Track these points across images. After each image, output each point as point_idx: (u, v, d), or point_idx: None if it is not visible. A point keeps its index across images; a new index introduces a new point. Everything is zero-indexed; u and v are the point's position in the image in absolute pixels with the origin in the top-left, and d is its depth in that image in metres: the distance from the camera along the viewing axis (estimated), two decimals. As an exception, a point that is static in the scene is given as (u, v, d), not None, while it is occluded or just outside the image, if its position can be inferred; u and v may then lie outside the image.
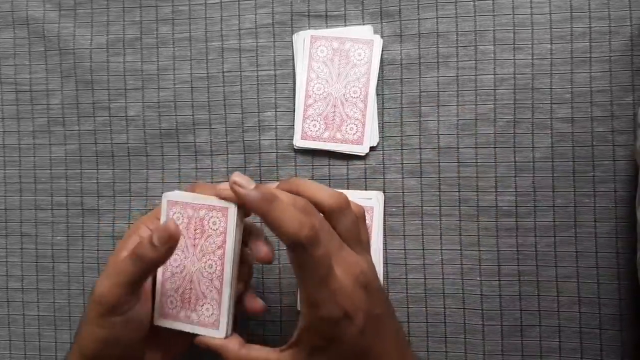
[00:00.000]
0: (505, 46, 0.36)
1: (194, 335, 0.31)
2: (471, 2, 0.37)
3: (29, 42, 0.40)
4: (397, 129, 0.37)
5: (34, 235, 0.40)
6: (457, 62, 0.37)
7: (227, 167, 0.39)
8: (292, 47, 0.38)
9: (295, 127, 0.38)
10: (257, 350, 0.29)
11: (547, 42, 0.36)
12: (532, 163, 0.36)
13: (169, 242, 0.28)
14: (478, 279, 0.37)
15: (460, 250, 0.37)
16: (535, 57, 0.36)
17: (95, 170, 0.40)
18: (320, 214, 0.29)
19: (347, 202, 0.29)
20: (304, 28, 0.38)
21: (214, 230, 0.30)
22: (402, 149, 0.37)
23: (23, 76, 0.41)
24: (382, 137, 0.38)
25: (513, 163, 0.36)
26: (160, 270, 0.31)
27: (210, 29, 0.39)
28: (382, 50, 0.37)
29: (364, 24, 0.38)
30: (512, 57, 0.36)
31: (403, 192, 0.37)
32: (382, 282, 0.37)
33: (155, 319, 0.31)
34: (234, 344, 0.30)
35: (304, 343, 0.28)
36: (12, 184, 0.41)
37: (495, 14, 0.37)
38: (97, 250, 0.40)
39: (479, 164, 0.37)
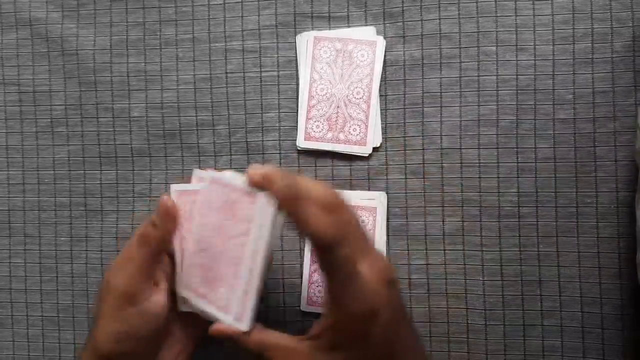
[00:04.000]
0: (507, 47, 0.37)
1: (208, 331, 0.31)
2: (474, 3, 0.37)
3: (32, 43, 0.40)
4: (400, 130, 0.38)
5: (37, 236, 0.40)
6: (460, 63, 0.37)
7: (231, 168, 0.39)
8: (296, 48, 0.38)
9: (298, 128, 0.38)
10: (275, 336, 0.29)
11: (549, 43, 0.36)
12: (534, 164, 0.36)
13: (167, 218, 0.30)
14: (481, 279, 0.37)
15: (463, 250, 0.37)
16: (537, 58, 0.36)
17: (99, 171, 0.40)
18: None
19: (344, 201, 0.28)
20: (307, 29, 0.38)
21: (241, 216, 0.28)
22: (405, 150, 0.37)
23: (26, 77, 0.41)
24: (385, 137, 0.38)
25: (515, 164, 0.37)
26: (188, 249, 0.30)
27: (214, 30, 0.39)
28: (385, 51, 0.37)
29: (367, 25, 0.38)
30: (515, 59, 0.37)
31: (406, 193, 0.37)
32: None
33: (178, 304, 0.31)
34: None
35: (326, 338, 0.27)
36: (15, 185, 0.41)
37: (498, 15, 0.37)
38: (101, 251, 0.40)
39: (481, 164, 0.37)
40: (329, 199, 0.27)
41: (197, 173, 0.32)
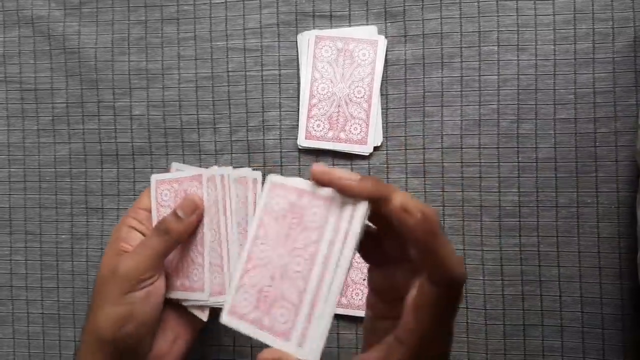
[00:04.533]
0: (509, 47, 0.37)
1: (204, 324, 0.32)
2: (475, 3, 0.37)
3: (34, 41, 0.41)
4: (401, 129, 0.38)
5: (38, 234, 0.40)
6: (461, 62, 0.37)
7: (232, 166, 0.39)
8: (297, 47, 0.38)
9: (299, 126, 0.38)
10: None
11: (551, 43, 0.36)
12: (535, 163, 0.36)
13: (194, 212, 0.32)
14: (481, 278, 0.37)
15: (464, 249, 0.37)
16: (538, 58, 0.36)
17: (100, 169, 0.40)
18: None
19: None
20: (308, 28, 0.38)
21: (311, 223, 0.24)
22: (406, 149, 0.38)
23: (28, 75, 0.41)
24: (386, 137, 0.38)
25: (516, 163, 0.37)
26: (242, 261, 0.25)
27: (215, 28, 0.39)
28: (387, 51, 0.38)
29: (368, 24, 0.38)
30: (516, 58, 0.37)
31: (407, 192, 0.37)
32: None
33: (222, 317, 0.25)
34: None
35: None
36: (17, 183, 0.41)
37: (499, 15, 0.37)
38: (101, 248, 0.40)
39: (482, 164, 0.37)
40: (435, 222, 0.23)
41: (175, 165, 0.35)
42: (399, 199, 0.22)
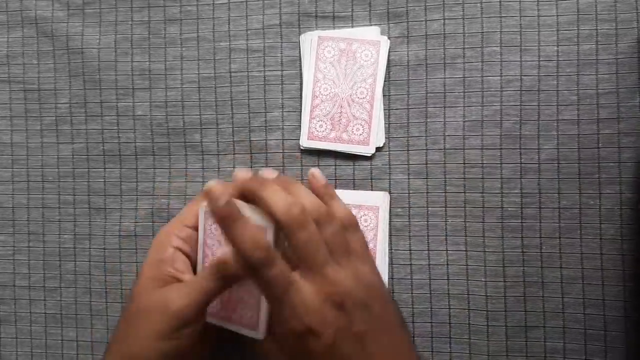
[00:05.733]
0: (511, 48, 0.37)
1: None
2: (478, 4, 0.37)
3: (38, 41, 0.41)
4: (403, 130, 0.38)
5: (41, 234, 0.40)
6: (464, 63, 0.37)
7: (234, 167, 0.39)
8: (299, 47, 0.38)
9: (301, 127, 0.38)
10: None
11: (554, 44, 0.36)
12: (537, 164, 0.36)
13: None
14: (483, 279, 0.37)
15: (466, 251, 0.37)
16: (541, 59, 0.36)
17: (103, 169, 0.40)
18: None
19: (322, 215, 0.29)
20: (311, 29, 0.38)
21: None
22: (408, 150, 0.37)
23: (31, 75, 0.41)
24: (389, 137, 0.38)
25: (519, 164, 0.37)
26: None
27: (218, 29, 0.39)
28: (389, 51, 0.38)
29: (371, 25, 0.38)
30: (519, 59, 0.37)
31: (409, 193, 0.37)
32: (386, 283, 0.37)
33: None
34: None
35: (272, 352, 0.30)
36: (20, 183, 0.41)
37: (502, 15, 0.37)
38: (104, 249, 0.40)
39: (484, 165, 0.37)
40: (289, 214, 0.28)
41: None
42: (207, 185, 0.28)
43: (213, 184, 0.28)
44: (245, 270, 0.28)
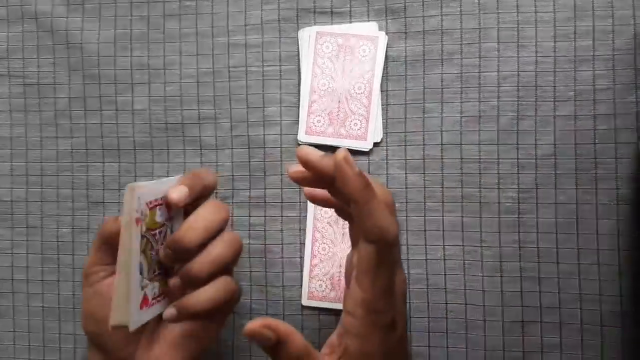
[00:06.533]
0: (509, 44, 0.37)
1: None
2: (475, 0, 0.37)
3: (38, 36, 0.41)
4: (400, 125, 0.38)
5: (40, 227, 0.41)
6: (461, 59, 0.37)
7: (232, 162, 0.39)
8: (298, 43, 0.39)
9: (299, 122, 0.38)
10: (314, 352, 0.27)
11: (551, 40, 0.36)
12: (534, 160, 0.37)
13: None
14: (480, 274, 0.37)
15: (463, 246, 0.37)
16: (538, 55, 0.37)
17: (101, 163, 0.40)
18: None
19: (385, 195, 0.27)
20: (309, 24, 0.39)
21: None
22: (405, 145, 0.38)
23: (31, 70, 0.41)
24: (386, 132, 0.38)
25: (516, 160, 0.37)
26: None
27: (217, 24, 0.39)
28: (387, 47, 0.38)
29: (369, 21, 0.38)
30: (516, 55, 0.37)
31: (406, 188, 0.38)
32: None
33: None
34: (299, 336, 0.26)
35: (350, 353, 0.26)
36: (19, 177, 0.41)
37: (500, 11, 0.37)
38: (102, 242, 0.40)
39: (481, 160, 0.37)
40: (391, 199, 0.27)
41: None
42: (342, 153, 0.25)
43: (345, 151, 0.25)
44: (374, 249, 0.25)
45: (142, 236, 0.29)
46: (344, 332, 0.27)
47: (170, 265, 0.31)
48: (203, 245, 0.30)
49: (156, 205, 0.30)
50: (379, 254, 0.25)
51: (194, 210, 0.30)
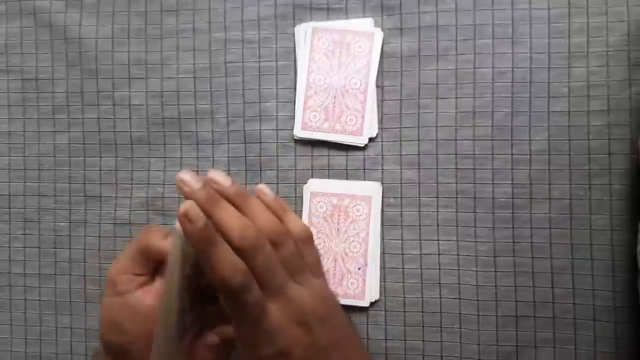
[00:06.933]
0: (504, 40, 0.37)
1: None
2: (471, -3, 0.37)
3: (36, 31, 0.41)
4: (396, 121, 0.38)
5: (37, 221, 0.41)
6: (457, 55, 0.37)
7: (228, 157, 0.39)
8: (294, 39, 0.39)
9: (295, 117, 0.38)
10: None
11: (545, 37, 0.37)
12: (529, 156, 0.37)
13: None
14: (474, 269, 0.37)
15: (457, 241, 0.37)
16: (533, 52, 0.37)
17: (99, 158, 0.40)
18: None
19: (278, 234, 0.29)
20: (305, 20, 0.39)
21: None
22: (400, 141, 0.38)
23: (29, 64, 0.41)
24: (381, 128, 0.38)
25: (510, 155, 0.37)
26: None
27: (214, 20, 0.40)
28: (383, 43, 0.38)
29: (365, 17, 0.38)
30: (511, 51, 0.37)
31: (401, 183, 0.38)
32: (378, 273, 0.37)
33: None
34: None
35: None
36: (16, 171, 0.41)
37: (495, 8, 0.37)
38: (99, 237, 0.40)
39: (476, 156, 0.37)
40: (305, 236, 0.29)
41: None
42: (184, 206, 0.25)
43: (188, 206, 0.26)
44: (222, 297, 0.27)
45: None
46: None
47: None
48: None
49: None
50: (229, 300, 0.26)
51: None
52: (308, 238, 0.31)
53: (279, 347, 0.27)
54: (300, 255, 0.30)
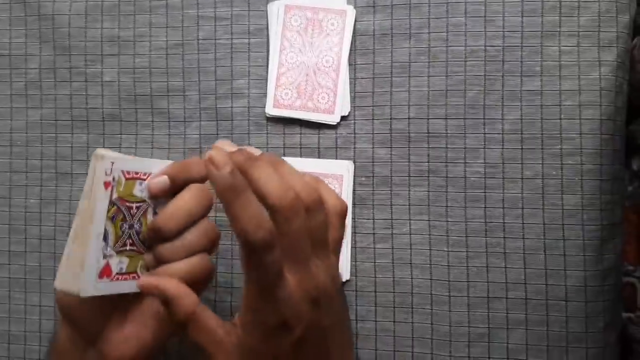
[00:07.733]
0: (476, 18, 0.37)
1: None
2: (444, -24, 0.37)
3: (10, 7, 0.41)
4: (368, 99, 0.38)
5: (8, 198, 0.40)
6: (429, 33, 0.37)
7: (200, 134, 0.39)
8: (267, 16, 0.39)
9: (267, 95, 0.38)
10: (209, 317, 0.27)
11: (518, 15, 0.37)
12: (501, 135, 0.36)
13: None
14: (445, 249, 0.37)
15: (429, 220, 0.37)
16: (505, 30, 0.37)
17: (70, 135, 0.40)
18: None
19: (314, 202, 0.26)
20: (279, -2, 0.39)
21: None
22: (373, 119, 0.38)
23: (3, 40, 0.41)
24: (354, 106, 0.38)
25: (482, 134, 0.37)
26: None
27: (187, -3, 0.39)
28: (355, 21, 0.38)
29: (338, -5, 0.38)
30: (483, 30, 0.37)
31: (373, 162, 0.38)
32: (349, 252, 0.37)
33: None
34: (191, 299, 0.27)
35: (238, 343, 0.27)
36: (-11, 148, 0.41)
37: (467, -13, 0.37)
38: (69, 213, 0.40)
39: (448, 134, 0.37)
40: (340, 210, 0.28)
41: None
42: (211, 152, 0.24)
43: (215, 152, 0.24)
44: (241, 252, 0.25)
45: (112, 203, 0.28)
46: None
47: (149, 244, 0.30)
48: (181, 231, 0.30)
49: (136, 179, 0.29)
50: (247, 256, 0.25)
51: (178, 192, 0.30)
52: (343, 212, 0.29)
53: (284, 320, 0.26)
54: (327, 230, 0.28)
